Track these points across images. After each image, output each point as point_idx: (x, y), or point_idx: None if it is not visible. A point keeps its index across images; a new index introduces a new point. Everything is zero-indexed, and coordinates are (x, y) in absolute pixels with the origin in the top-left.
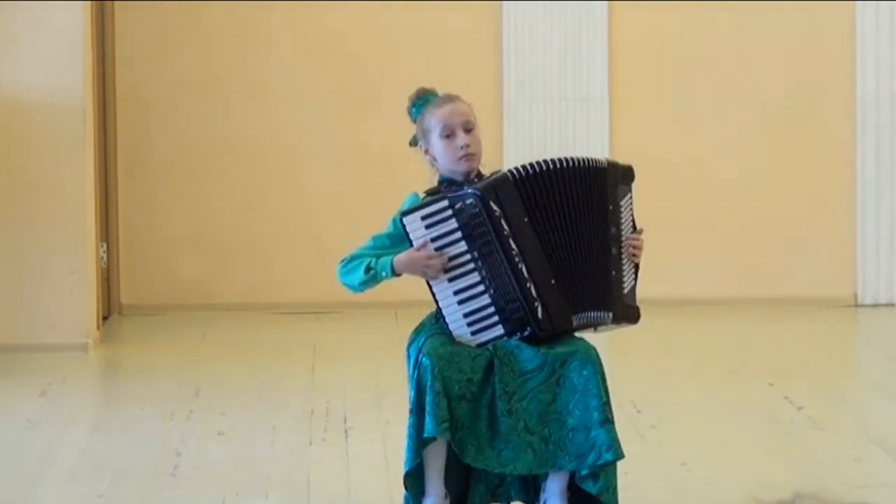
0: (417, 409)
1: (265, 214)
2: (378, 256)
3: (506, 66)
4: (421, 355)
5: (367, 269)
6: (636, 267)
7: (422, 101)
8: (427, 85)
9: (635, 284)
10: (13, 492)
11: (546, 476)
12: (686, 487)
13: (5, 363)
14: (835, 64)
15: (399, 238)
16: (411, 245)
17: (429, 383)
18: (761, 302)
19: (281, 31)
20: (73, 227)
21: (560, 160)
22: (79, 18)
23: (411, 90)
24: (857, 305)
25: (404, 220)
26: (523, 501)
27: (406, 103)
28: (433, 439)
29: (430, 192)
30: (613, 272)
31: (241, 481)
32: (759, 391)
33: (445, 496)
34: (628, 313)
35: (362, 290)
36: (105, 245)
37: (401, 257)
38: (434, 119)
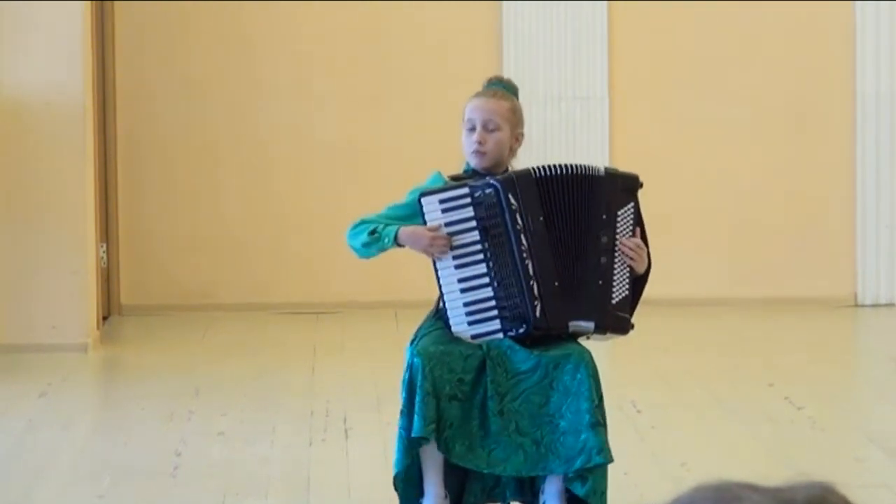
0: (408, 410)
1: (265, 215)
2: (388, 225)
3: (506, 66)
4: (412, 356)
5: (372, 232)
6: (636, 277)
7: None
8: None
9: (629, 295)
10: (13, 492)
11: (544, 477)
12: (686, 487)
13: (5, 363)
14: (835, 63)
15: (415, 212)
16: (424, 224)
17: (418, 383)
18: (761, 302)
19: (281, 32)
20: (73, 227)
21: (568, 165)
22: (79, 18)
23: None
24: (857, 305)
25: (422, 199)
26: (520, 502)
27: None
28: (423, 440)
29: (454, 178)
30: (601, 282)
31: (241, 481)
32: (759, 391)
33: (445, 496)
34: (616, 324)
35: (366, 255)
36: (105, 245)
37: (406, 229)
38: (465, 110)
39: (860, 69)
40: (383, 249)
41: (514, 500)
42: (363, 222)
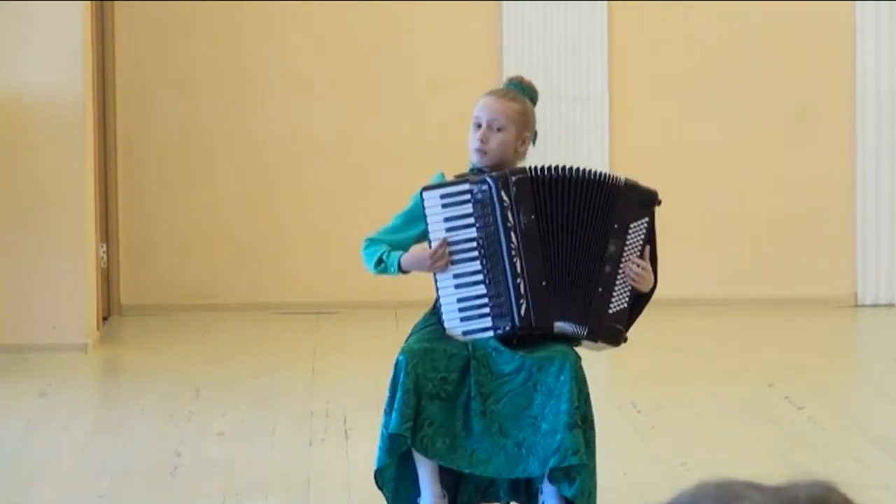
0: (389, 407)
1: (265, 215)
2: (392, 244)
3: (506, 66)
4: (398, 353)
5: (378, 262)
6: (638, 293)
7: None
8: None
9: (626, 308)
10: (13, 492)
11: (542, 478)
12: (687, 486)
13: (5, 363)
14: (835, 63)
15: (416, 217)
16: (425, 220)
17: (400, 380)
18: (761, 302)
19: (281, 32)
20: (73, 227)
21: (580, 170)
22: (79, 18)
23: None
24: (857, 305)
25: (424, 194)
26: (515, 502)
27: None
28: (404, 438)
29: (458, 176)
30: (600, 289)
31: (241, 481)
32: (759, 391)
33: (444, 496)
34: (609, 334)
35: (381, 275)
36: (105, 245)
37: (407, 257)
38: (475, 107)
39: (860, 69)
40: (394, 275)
41: (508, 499)
42: (371, 243)
